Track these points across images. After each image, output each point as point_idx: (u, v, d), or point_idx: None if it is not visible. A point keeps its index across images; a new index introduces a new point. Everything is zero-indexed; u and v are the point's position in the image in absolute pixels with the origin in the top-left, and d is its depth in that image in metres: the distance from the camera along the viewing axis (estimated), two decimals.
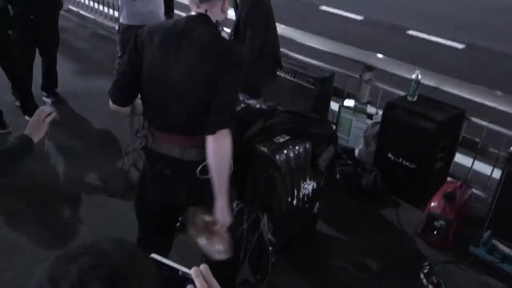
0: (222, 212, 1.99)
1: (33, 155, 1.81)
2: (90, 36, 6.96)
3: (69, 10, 7.56)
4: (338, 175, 3.64)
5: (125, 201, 3.37)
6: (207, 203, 2.01)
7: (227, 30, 2.04)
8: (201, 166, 1.99)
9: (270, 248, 2.67)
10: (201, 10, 1.97)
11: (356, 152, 3.97)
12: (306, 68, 4.32)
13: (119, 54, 4.65)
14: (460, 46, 7.97)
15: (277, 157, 2.63)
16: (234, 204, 2.78)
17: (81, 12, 7.56)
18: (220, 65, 1.90)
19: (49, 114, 1.86)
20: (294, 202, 2.82)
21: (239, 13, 3.50)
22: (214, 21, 2.00)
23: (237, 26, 3.56)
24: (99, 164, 3.85)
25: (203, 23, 1.96)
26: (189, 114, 1.95)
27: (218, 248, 2.02)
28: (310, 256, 3.06)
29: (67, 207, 3.50)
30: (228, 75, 1.91)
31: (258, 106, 3.04)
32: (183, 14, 5.94)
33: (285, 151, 2.66)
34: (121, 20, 4.52)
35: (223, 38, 2.10)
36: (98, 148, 4.09)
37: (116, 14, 6.25)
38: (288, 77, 4.28)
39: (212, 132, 1.88)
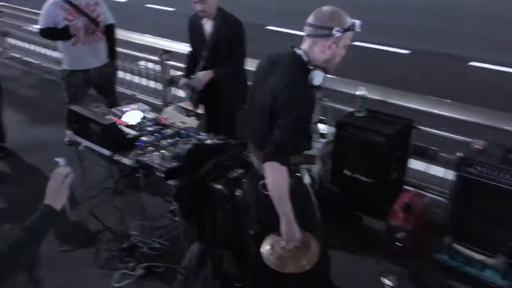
0: (286, 229, 2.14)
1: None
2: (37, 83, 6.82)
3: (12, 58, 7.39)
4: None
5: (84, 252, 3.30)
6: (268, 218, 2.22)
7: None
8: (262, 182, 2.19)
9: (237, 285, 2.65)
10: (304, 46, 2.14)
11: (314, 172, 3.99)
12: None
13: (66, 100, 4.58)
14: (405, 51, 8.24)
15: (232, 192, 2.62)
16: (195, 245, 2.75)
17: (25, 58, 7.40)
18: (281, 102, 2.05)
19: (67, 175, 1.71)
20: None
21: (217, 34, 3.50)
22: (306, 60, 2.11)
23: (214, 46, 3.56)
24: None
25: (293, 60, 2.13)
26: (262, 134, 2.20)
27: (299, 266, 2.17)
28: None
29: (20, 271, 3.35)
30: (285, 112, 2.05)
31: (209, 141, 3.04)
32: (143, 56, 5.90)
33: (239, 186, 2.64)
34: (64, 66, 4.46)
35: (294, 78, 2.09)
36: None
37: None
38: None
39: (259, 149, 2.18)
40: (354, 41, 2.34)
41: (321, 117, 4.25)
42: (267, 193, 2.12)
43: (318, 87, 2.14)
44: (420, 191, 3.52)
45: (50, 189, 1.69)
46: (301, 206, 2.23)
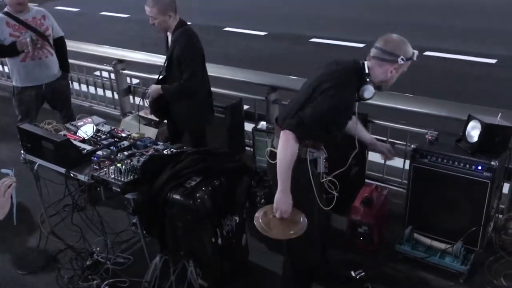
0: (278, 197, 2.34)
1: None
2: None
3: None
4: (262, 199, 3.66)
5: (46, 273, 3.21)
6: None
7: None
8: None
9: None
10: (370, 62, 2.37)
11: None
12: (214, 98, 4.32)
13: (20, 117, 4.45)
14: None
15: (191, 201, 2.59)
16: (157, 258, 2.72)
17: None
18: (324, 88, 2.30)
19: (10, 185, 1.72)
20: (219, 241, 2.78)
21: (171, 51, 3.44)
22: (366, 73, 2.37)
23: (169, 61, 3.49)
24: (12, 242, 3.57)
25: (356, 67, 2.38)
26: (292, 111, 2.42)
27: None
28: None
29: None
30: (322, 98, 2.30)
31: (164, 151, 3.01)
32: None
33: (198, 194, 2.62)
34: (14, 83, 4.33)
35: (348, 78, 2.36)
36: (8, 225, 3.83)
37: None
38: None
39: (281, 127, 2.35)
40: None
41: None
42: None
43: (363, 100, 2.41)
44: (380, 184, 3.58)
45: None
46: (299, 187, 2.39)
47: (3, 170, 1.79)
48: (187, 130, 3.73)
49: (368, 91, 2.37)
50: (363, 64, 2.40)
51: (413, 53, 2.36)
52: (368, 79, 2.38)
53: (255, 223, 2.39)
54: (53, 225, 3.59)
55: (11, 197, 1.73)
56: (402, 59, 2.32)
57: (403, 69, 2.40)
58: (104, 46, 5.80)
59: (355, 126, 2.67)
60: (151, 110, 3.72)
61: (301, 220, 2.40)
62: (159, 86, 3.51)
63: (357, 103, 2.52)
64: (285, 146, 2.30)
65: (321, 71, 2.45)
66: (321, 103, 2.30)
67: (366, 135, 2.89)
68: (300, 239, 2.39)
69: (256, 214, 2.44)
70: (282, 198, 2.34)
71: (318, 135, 2.44)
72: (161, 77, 3.60)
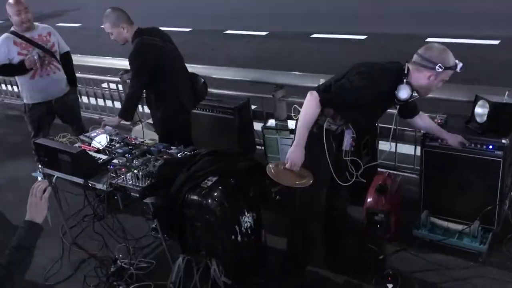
0: (292, 150, 2.56)
1: None
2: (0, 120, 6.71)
3: None
4: (277, 196, 3.70)
5: (73, 283, 3.28)
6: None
7: None
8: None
9: None
10: (411, 66, 2.51)
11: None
12: (221, 100, 4.38)
13: (33, 134, 4.54)
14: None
15: (209, 201, 2.64)
16: (180, 259, 2.77)
17: None
18: (360, 70, 2.51)
19: (45, 189, 1.80)
20: (239, 238, 2.83)
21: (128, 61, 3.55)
22: (405, 73, 2.48)
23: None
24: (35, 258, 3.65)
25: (398, 66, 2.53)
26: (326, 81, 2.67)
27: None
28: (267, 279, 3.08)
29: None
30: (357, 75, 2.48)
31: (178, 155, 3.06)
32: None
33: (215, 194, 2.67)
34: (25, 101, 4.42)
35: (387, 70, 2.55)
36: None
37: None
38: (207, 113, 4.34)
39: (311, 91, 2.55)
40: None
41: (289, 114, 4.38)
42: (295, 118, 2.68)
43: (400, 101, 2.52)
44: (392, 172, 3.61)
45: (30, 204, 1.77)
46: (311, 152, 2.58)
47: (34, 174, 1.89)
48: (161, 133, 3.77)
49: (403, 91, 2.48)
50: (404, 65, 2.52)
51: (456, 63, 2.45)
52: (405, 80, 2.48)
53: (266, 170, 2.62)
54: (75, 236, 3.65)
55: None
56: (440, 67, 2.42)
57: (442, 77, 2.49)
58: (109, 57, 5.88)
59: (419, 121, 2.91)
60: None
61: (308, 176, 2.59)
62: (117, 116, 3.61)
63: (397, 107, 2.69)
64: (308, 104, 2.51)
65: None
66: (352, 81, 2.47)
67: (434, 127, 3.00)
68: (304, 205, 2.70)
69: (269, 165, 2.67)
70: (295, 151, 2.55)
71: (339, 108, 2.58)
72: None
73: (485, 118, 2.96)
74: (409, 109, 2.82)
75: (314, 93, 2.52)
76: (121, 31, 3.48)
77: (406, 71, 2.51)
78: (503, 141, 2.86)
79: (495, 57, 6.77)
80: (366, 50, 7.81)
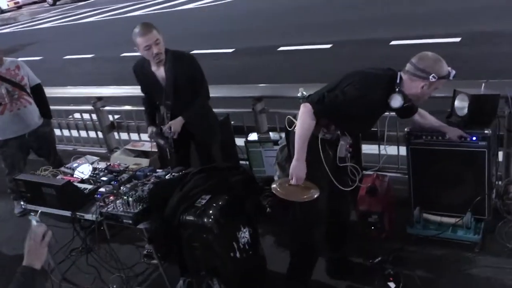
0: (295, 165, 2.56)
1: None
2: None
3: None
4: (268, 209, 3.67)
5: None
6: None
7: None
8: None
9: None
10: (404, 75, 2.51)
11: (276, 179, 4.03)
12: None
13: (7, 171, 4.40)
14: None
15: (205, 220, 2.60)
16: (181, 281, 2.71)
17: None
18: (353, 80, 2.50)
19: (45, 233, 1.73)
20: (237, 254, 2.79)
21: (174, 79, 3.42)
22: (398, 82, 2.49)
23: (175, 92, 3.48)
24: None
25: (391, 74, 2.53)
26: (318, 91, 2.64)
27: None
28: None
29: None
30: (350, 86, 2.49)
31: (166, 177, 3.01)
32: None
33: (210, 211, 2.63)
34: None
35: (380, 80, 2.54)
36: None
37: None
38: None
39: (305, 102, 2.55)
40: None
41: (269, 126, 4.39)
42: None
43: (392, 109, 2.54)
44: (379, 173, 3.64)
45: (29, 249, 1.68)
46: (309, 161, 2.57)
47: (29, 217, 1.80)
48: (215, 141, 3.76)
49: (396, 100, 2.49)
50: (397, 74, 2.53)
51: (449, 72, 2.46)
52: (397, 89, 2.50)
53: (272, 189, 2.67)
54: (63, 271, 3.52)
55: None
56: (434, 76, 2.43)
57: (436, 86, 2.50)
58: (79, 87, 5.77)
59: (419, 119, 2.93)
60: (171, 146, 3.53)
61: (313, 187, 2.60)
62: (179, 118, 3.43)
63: (389, 114, 2.72)
64: (303, 117, 2.51)
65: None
66: (345, 91, 2.47)
67: (434, 122, 3.03)
68: (304, 214, 2.67)
69: (273, 185, 2.70)
70: (297, 166, 2.55)
71: (333, 119, 2.60)
72: (167, 112, 3.51)
73: (465, 111, 3.02)
74: (406, 111, 2.83)
75: (308, 105, 2.51)
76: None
77: (398, 80, 2.51)
78: (486, 131, 2.93)
79: (458, 54, 6.96)
80: (334, 58, 7.94)
